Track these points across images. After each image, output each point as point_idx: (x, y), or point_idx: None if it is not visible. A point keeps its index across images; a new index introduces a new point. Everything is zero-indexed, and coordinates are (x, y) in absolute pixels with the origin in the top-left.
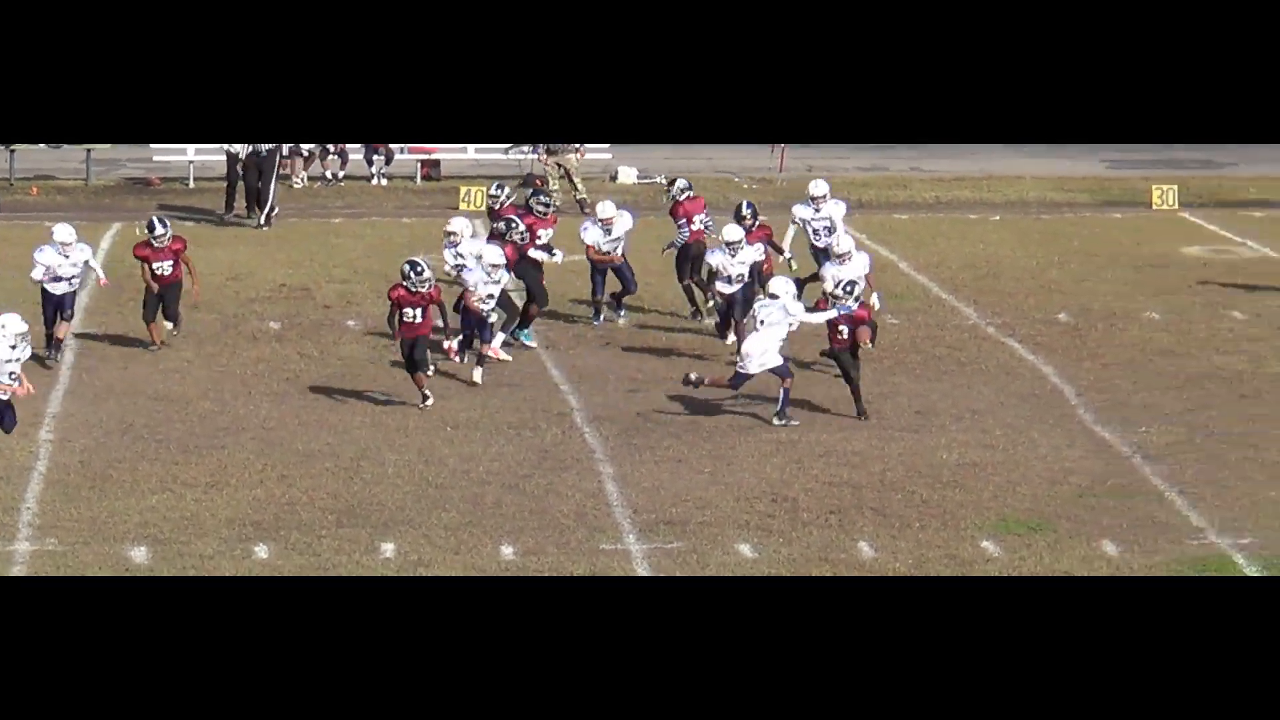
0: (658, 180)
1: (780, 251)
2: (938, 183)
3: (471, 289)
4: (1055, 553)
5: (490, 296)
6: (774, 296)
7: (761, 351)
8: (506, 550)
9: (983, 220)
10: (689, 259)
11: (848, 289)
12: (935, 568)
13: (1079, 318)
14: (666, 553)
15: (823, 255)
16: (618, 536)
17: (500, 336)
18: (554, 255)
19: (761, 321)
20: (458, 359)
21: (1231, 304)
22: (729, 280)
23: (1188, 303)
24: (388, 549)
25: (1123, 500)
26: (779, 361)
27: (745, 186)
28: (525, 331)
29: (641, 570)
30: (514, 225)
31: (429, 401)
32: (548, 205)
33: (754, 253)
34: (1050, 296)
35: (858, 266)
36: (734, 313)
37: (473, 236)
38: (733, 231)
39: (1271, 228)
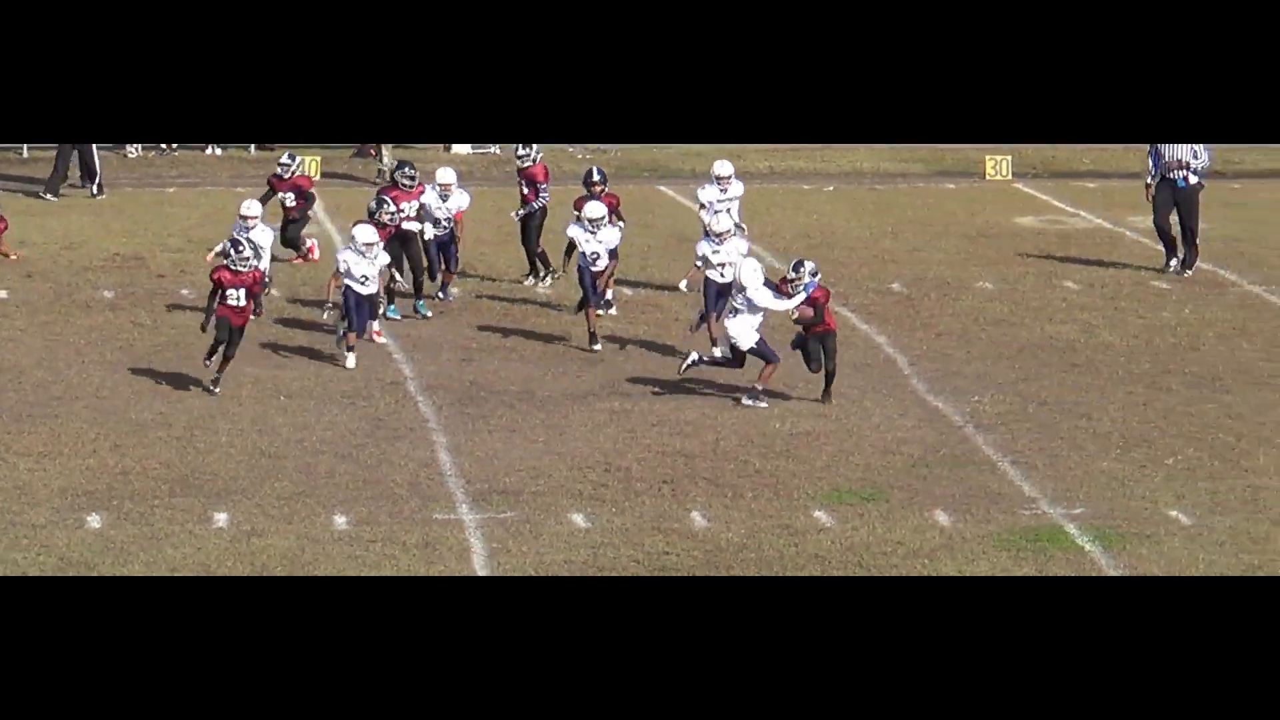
0: (492, 150)
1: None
2: (772, 153)
3: (343, 270)
4: (888, 523)
5: (366, 278)
6: (741, 288)
7: (746, 330)
8: (339, 520)
9: (817, 190)
10: (537, 225)
11: (803, 271)
12: (768, 538)
13: (912, 287)
14: (500, 522)
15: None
16: (451, 506)
17: (375, 321)
18: (424, 226)
19: (735, 311)
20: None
21: (1064, 274)
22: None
23: (1021, 273)
24: (221, 519)
25: (955, 470)
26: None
27: (579, 156)
28: (420, 303)
29: (475, 541)
30: (384, 204)
31: (218, 389)
32: (412, 178)
33: (614, 233)
34: (884, 266)
35: (733, 249)
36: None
37: (264, 222)
38: (595, 209)
39: (1105, 198)
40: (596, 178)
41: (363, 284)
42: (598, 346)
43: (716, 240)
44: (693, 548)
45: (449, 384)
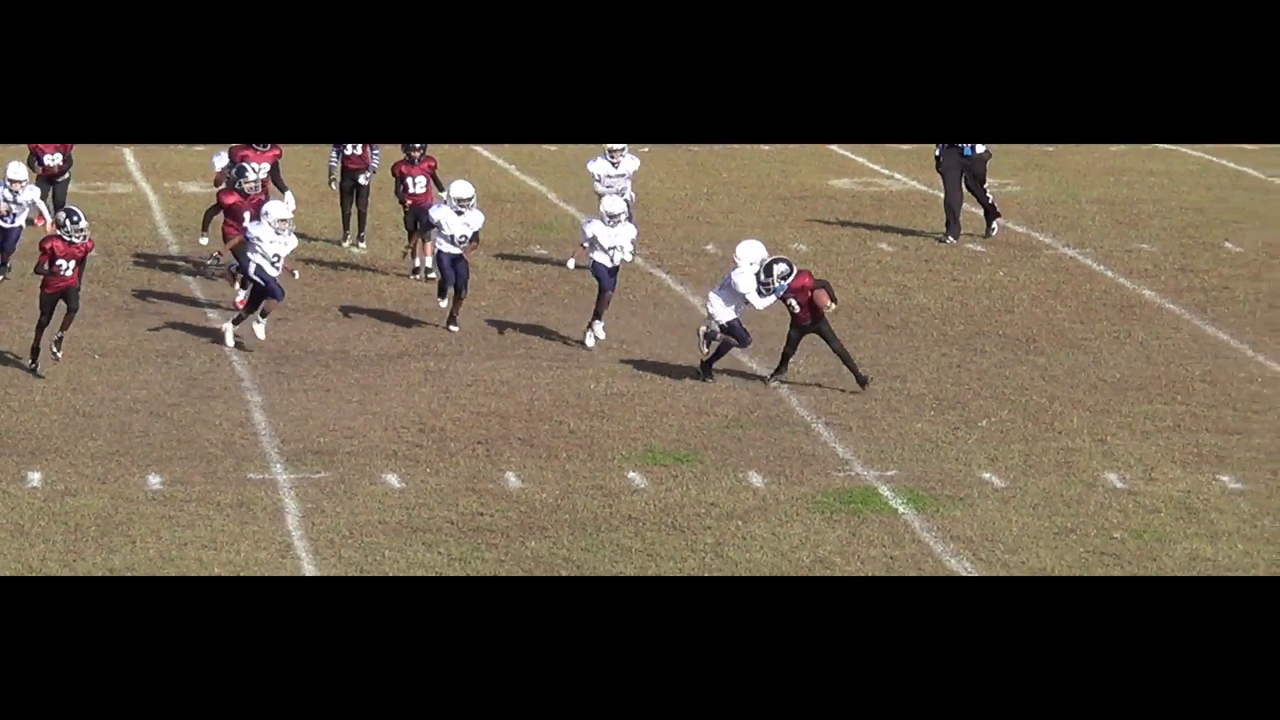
0: None
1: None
2: None
3: (255, 246)
4: (702, 484)
5: (279, 256)
6: (737, 266)
7: (727, 301)
8: (153, 479)
9: (634, 151)
10: (356, 186)
11: (773, 275)
12: (582, 499)
13: (727, 249)
14: (314, 483)
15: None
16: (265, 466)
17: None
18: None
19: (723, 286)
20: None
21: (878, 236)
22: (451, 240)
23: (835, 235)
24: (34, 478)
25: (769, 431)
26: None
27: None
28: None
29: (289, 501)
30: (244, 173)
31: (41, 373)
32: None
33: (478, 218)
34: (699, 228)
35: (625, 233)
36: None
37: (33, 187)
38: (462, 188)
39: (919, 161)
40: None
41: (274, 264)
42: (455, 328)
43: (610, 221)
44: (507, 508)
45: (264, 343)
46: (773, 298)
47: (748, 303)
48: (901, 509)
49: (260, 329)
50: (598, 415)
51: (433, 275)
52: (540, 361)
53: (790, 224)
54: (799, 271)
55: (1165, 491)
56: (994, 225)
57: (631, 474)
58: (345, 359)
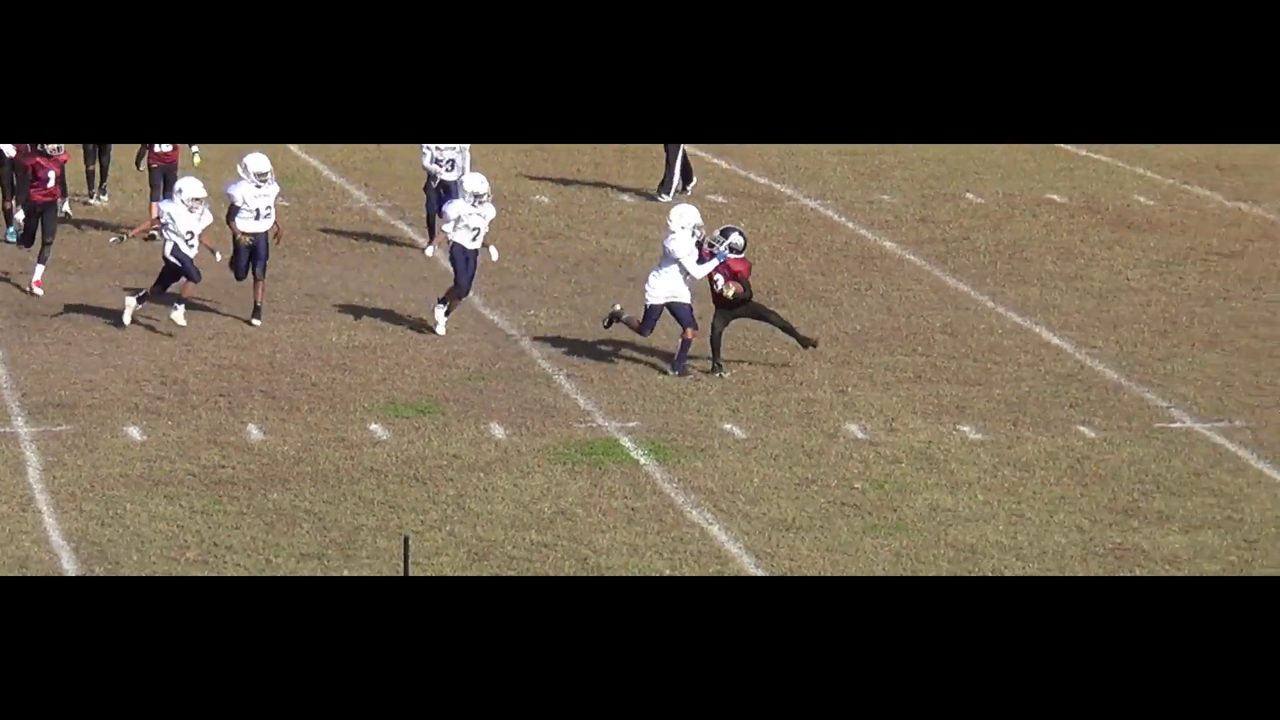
0: None
1: None
2: None
3: (170, 224)
4: (444, 435)
5: (193, 234)
6: (670, 232)
7: (665, 284)
8: None
9: None
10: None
11: (723, 243)
12: (324, 451)
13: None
14: (55, 435)
15: (437, 196)
16: (7, 419)
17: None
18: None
19: (663, 263)
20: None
21: (620, 188)
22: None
23: (577, 187)
24: None
25: (511, 383)
26: (687, 299)
27: None
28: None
29: (30, 454)
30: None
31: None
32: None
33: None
34: None
35: (489, 213)
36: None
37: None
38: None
39: None
40: None
41: (189, 243)
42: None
43: (474, 200)
44: (249, 461)
45: (4, 297)
46: (713, 263)
47: (687, 275)
48: (643, 460)
49: (179, 315)
50: (339, 368)
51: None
52: (281, 314)
53: (532, 175)
54: (742, 257)
55: (906, 442)
56: (666, 189)
57: (373, 426)
58: (86, 311)
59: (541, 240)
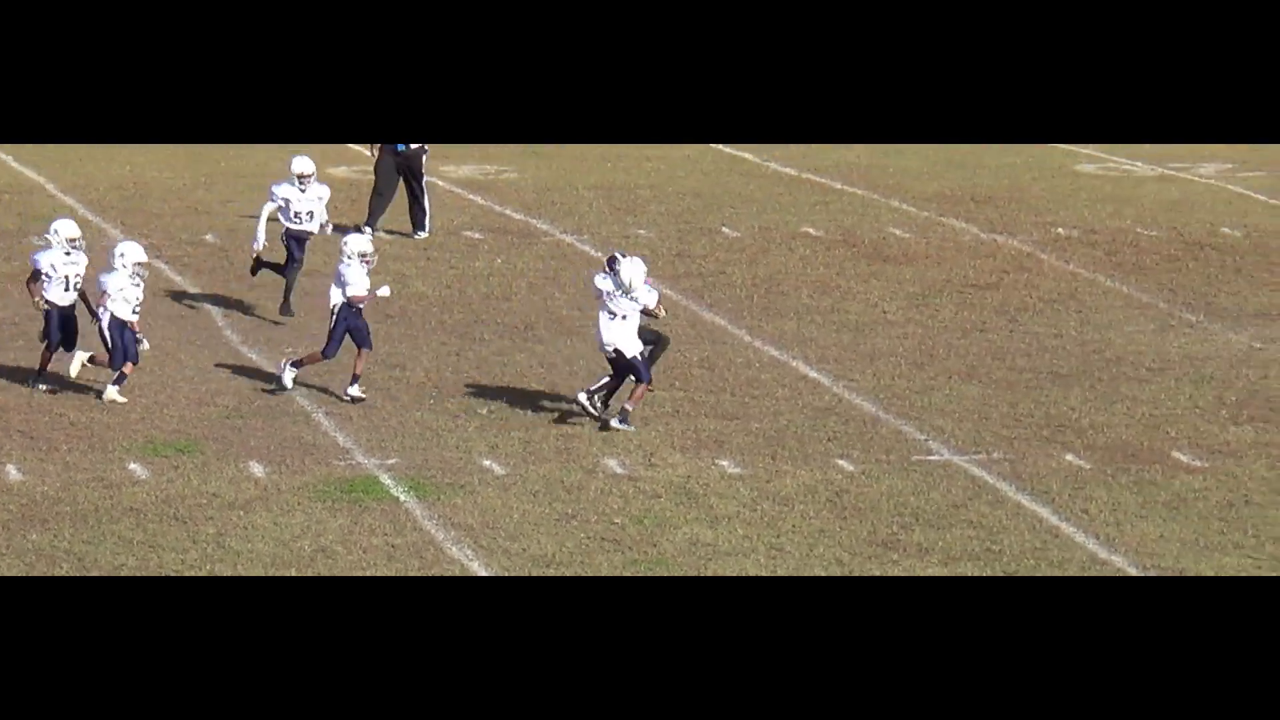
0: None
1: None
2: None
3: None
4: (204, 474)
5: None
6: (628, 290)
7: (629, 337)
8: None
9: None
10: None
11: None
12: (83, 490)
13: (226, 239)
14: None
15: (296, 244)
16: None
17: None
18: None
19: (613, 315)
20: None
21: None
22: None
23: (336, 222)
24: None
25: (270, 421)
26: (637, 349)
27: None
28: None
29: None
30: None
31: None
32: None
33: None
34: (197, 218)
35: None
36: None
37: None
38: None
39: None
40: None
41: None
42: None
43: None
44: (8, 501)
45: None
46: (654, 292)
47: (642, 311)
48: (403, 497)
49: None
50: (98, 407)
51: None
52: (38, 353)
53: None
54: None
55: (665, 477)
56: (423, 229)
57: (133, 465)
58: None
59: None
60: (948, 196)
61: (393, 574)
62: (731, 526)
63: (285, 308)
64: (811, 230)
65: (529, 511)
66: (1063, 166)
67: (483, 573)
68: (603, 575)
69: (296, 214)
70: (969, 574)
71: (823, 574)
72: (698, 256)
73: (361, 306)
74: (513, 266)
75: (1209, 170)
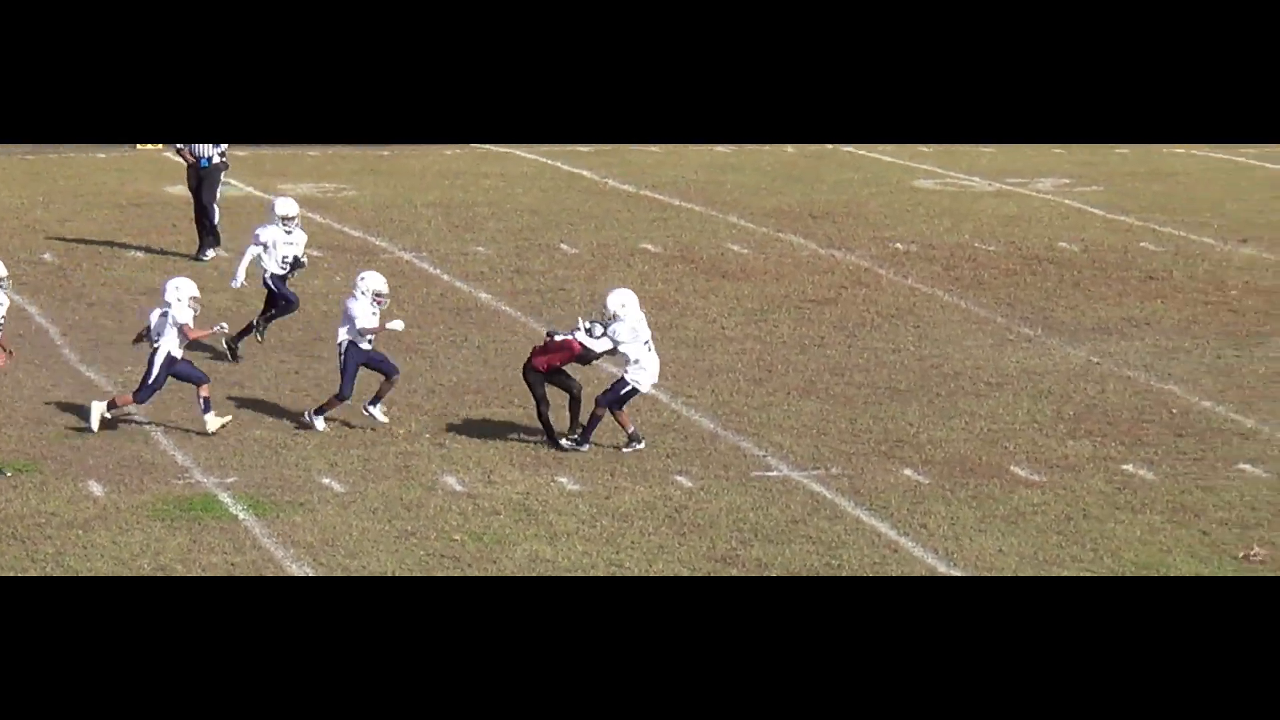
0: None
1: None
2: None
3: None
4: (42, 494)
5: None
6: (645, 339)
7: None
8: None
9: None
10: None
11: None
12: None
13: (64, 258)
14: None
15: (279, 283)
16: None
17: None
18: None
19: (637, 360)
20: None
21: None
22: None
23: (173, 241)
24: None
25: (109, 440)
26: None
27: None
28: None
29: None
30: None
31: None
32: None
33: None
34: (35, 237)
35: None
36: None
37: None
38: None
39: (256, 165)
40: None
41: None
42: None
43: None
44: None
45: None
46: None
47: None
48: (242, 515)
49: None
50: None
51: None
52: None
53: (128, 232)
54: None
55: (504, 494)
56: (207, 253)
57: None
58: None
59: (138, 296)
60: (785, 212)
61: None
62: (571, 543)
63: (258, 331)
64: (650, 246)
65: (368, 529)
66: (901, 182)
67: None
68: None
69: (284, 259)
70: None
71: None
72: (536, 273)
73: (371, 340)
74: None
75: (1046, 185)
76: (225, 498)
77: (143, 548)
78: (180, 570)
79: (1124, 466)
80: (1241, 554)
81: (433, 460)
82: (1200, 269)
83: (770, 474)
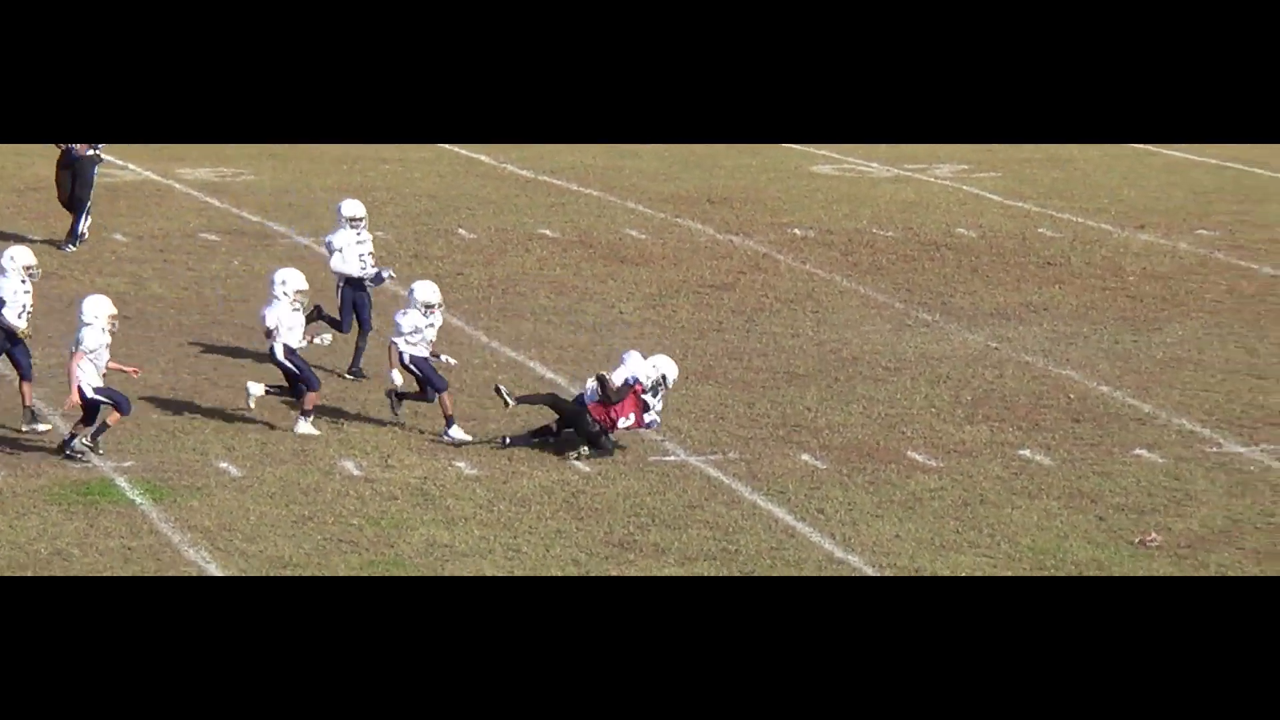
0: None
1: None
2: None
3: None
4: None
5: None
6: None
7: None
8: None
9: None
10: None
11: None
12: None
13: None
14: None
15: (359, 293)
16: None
17: None
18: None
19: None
20: None
21: (114, 226)
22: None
23: (67, 224)
24: None
25: (6, 425)
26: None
27: None
28: None
29: None
30: None
31: None
32: None
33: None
34: None
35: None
36: None
37: None
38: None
39: (154, 152)
40: None
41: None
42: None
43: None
44: None
45: None
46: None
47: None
48: (139, 500)
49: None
50: None
51: None
52: None
53: (25, 216)
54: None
55: (402, 478)
56: (72, 244)
57: None
58: None
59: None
60: (684, 198)
61: (129, 576)
62: (469, 527)
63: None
64: (548, 232)
65: (265, 513)
66: (799, 167)
67: (219, 575)
68: (340, 576)
69: (361, 257)
70: (706, 574)
71: (559, 574)
72: (435, 258)
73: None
74: (250, 268)
75: (944, 171)
76: (122, 482)
77: (39, 532)
78: (77, 555)
79: (1021, 452)
80: (1137, 539)
81: (330, 445)
82: (1098, 255)
83: (667, 459)
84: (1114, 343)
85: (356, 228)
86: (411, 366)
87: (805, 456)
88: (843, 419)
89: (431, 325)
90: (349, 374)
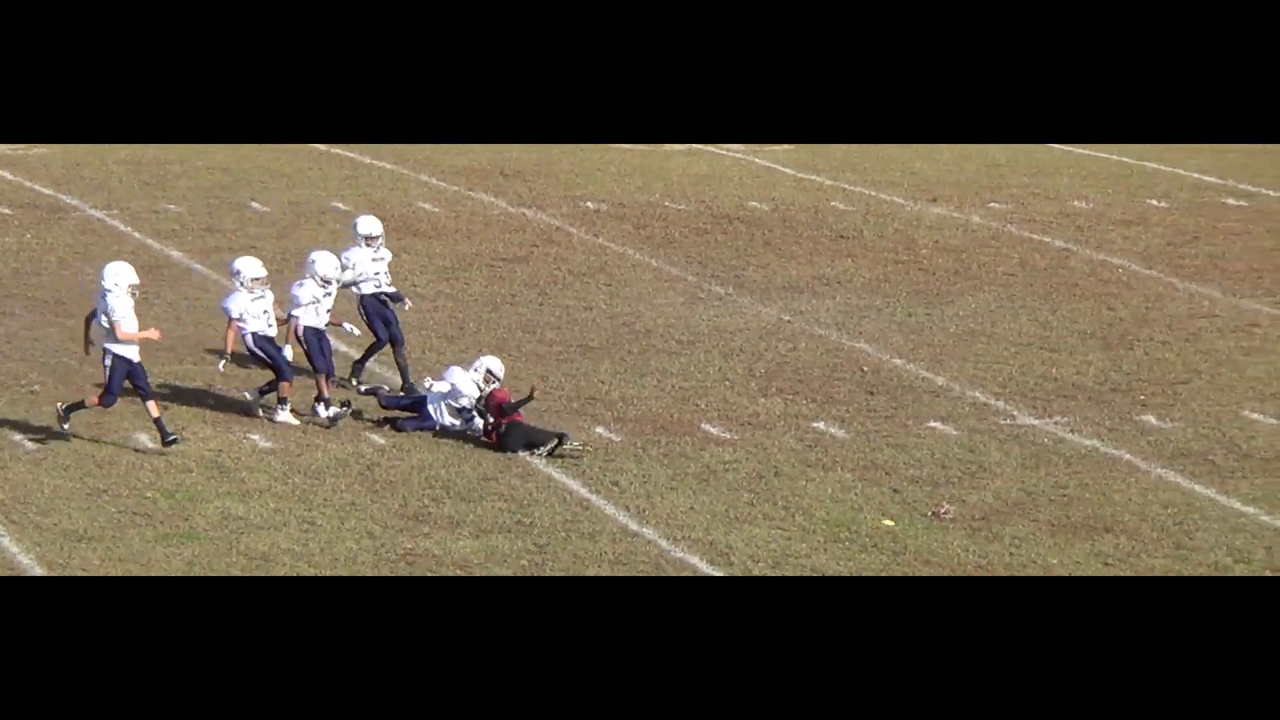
0: None
1: None
2: None
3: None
4: None
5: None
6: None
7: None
8: None
9: None
10: None
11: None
12: None
13: None
14: None
15: (380, 308)
16: None
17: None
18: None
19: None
20: None
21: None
22: None
23: None
24: None
25: None
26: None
27: None
28: None
29: None
30: None
31: None
32: None
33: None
34: None
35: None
36: None
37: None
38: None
39: None
40: None
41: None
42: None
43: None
44: None
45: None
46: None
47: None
48: None
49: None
50: None
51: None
52: None
53: None
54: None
55: (196, 451)
56: None
57: None
58: None
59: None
60: (476, 171)
61: None
62: (263, 500)
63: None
64: (341, 205)
65: (60, 486)
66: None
67: (14, 549)
68: (134, 548)
69: (377, 274)
70: (499, 546)
71: (354, 546)
72: (227, 231)
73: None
74: (42, 241)
75: (737, 145)
76: None
77: None
78: None
79: (815, 424)
80: (931, 511)
81: (124, 417)
82: (890, 228)
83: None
84: (907, 316)
85: (373, 245)
86: (258, 349)
87: (600, 429)
88: (636, 392)
89: (329, 295)
90: (354, 380)
